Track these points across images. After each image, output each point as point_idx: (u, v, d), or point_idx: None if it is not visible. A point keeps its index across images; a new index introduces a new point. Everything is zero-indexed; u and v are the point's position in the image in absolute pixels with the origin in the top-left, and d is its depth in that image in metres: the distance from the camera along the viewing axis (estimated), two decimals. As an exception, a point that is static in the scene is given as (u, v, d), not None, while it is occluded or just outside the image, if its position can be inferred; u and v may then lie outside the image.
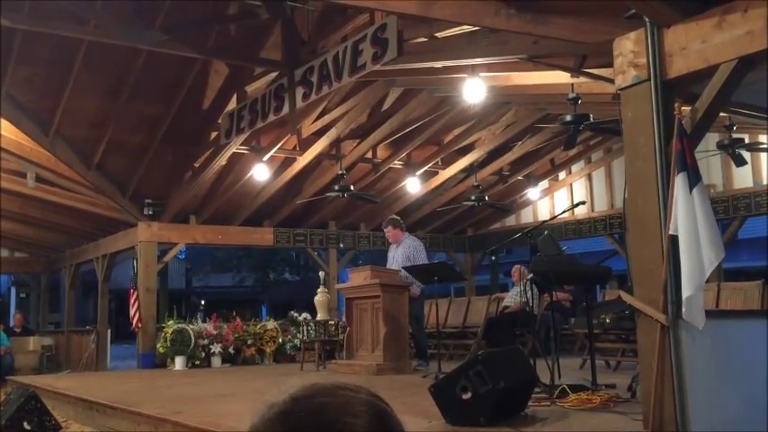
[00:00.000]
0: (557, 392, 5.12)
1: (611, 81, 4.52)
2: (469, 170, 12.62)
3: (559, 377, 5.59)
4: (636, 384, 4.90)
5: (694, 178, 3.77)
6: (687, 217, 3.71)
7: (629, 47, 4.16)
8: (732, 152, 9.19)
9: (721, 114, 6.28)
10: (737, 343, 4.03)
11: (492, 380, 4.12)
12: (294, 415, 0.86)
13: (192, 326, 11.28)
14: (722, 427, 3.82)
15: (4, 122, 9.43)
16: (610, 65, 4.43)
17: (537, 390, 5.05)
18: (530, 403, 4.72)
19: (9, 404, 6.48)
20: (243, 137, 9.70)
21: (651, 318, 3.91)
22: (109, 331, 13.62)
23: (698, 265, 3.66)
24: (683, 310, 3.69)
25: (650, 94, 4.00)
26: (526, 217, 14.64)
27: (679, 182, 3.77)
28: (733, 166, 9.88)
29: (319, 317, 9.63)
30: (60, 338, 15.15)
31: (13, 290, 24.51)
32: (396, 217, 9.05)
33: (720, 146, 9.30)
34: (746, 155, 9.71)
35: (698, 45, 3.86)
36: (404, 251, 8.45)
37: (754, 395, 3.87)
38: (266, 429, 0.87)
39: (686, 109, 4.05)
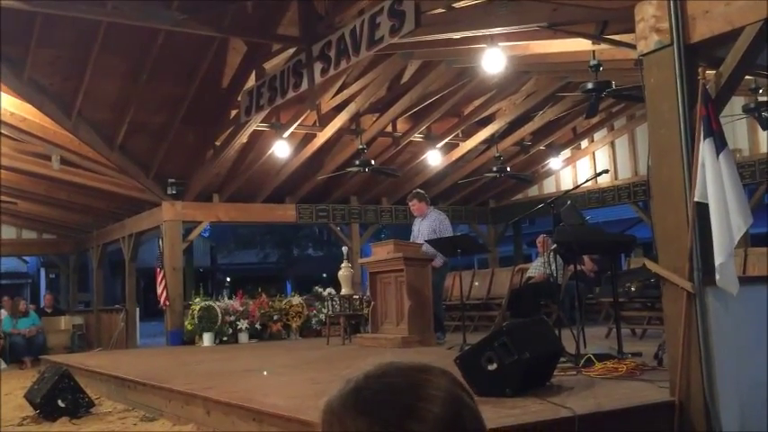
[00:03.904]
0: (582, 362, 5.12)
1: (633, 47, 4.44)
2: (490, 141, 12.55)
3: (585, 346, 5.59)
4: (662, 352, 4.88)
5: (720, 144, 3.71)
6: (715, 183, 3.66)
7: (650, 11, 4.08)
8: (758, 116, 9.03)
9: (747, 77, 6.16)
10: (767, 308, 3.99)
11: (517, 351, 4.13)
12: (364, 392, 0.86)
13: (218, 303, 11.43)
14: (751, 393, 3.81)
15: (28, 106, 9.52)
16: (631, 30, 4.35)
17: (563, 360, 5.05)
18: (556, 373, 4.73)
19: (43, 383, 6.63)
20: (263, 114, 9.71)
21: (677, 285, 3.89)
22: (137, 309, 13.84)
23: (727, 232, 3.62)
24: (717, 276, 3.65)
25: (673, 59, 3.92)
26: (549, 187, 14.54)
27: (706, 148, 3.71)
28: (759, 129, 9.71)
29: (343, 291, 9.70)
30: (90, 317, 15.43)
31: (42, 271, 24.94)
32: (420, 191, 9.05)
33: (746, 110, 9.14)
34: (773, 118, 9.53)
35: (721, 8, 3.78)
36: (429, 224, 8.45)
37: (782, 361, 3.84)
38: (338, 403, 0.88)
39: (710, 73, 3.98)
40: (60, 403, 6.33)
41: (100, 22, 8.09)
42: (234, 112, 10.27)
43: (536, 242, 9.87)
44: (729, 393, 3.75)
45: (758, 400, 3.80)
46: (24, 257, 22.60)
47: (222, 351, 9.85)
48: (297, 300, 12.14)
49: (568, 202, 6.63)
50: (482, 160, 13.28)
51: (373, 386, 0.87)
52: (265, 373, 6.61)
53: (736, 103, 9.32)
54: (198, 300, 11.36)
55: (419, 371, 0.89)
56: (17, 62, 8.75)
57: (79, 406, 6.44)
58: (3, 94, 9.25)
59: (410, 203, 8.79)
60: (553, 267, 6.78)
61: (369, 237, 14.76)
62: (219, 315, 11.09)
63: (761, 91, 8.67)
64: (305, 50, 8.07)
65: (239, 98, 9.81)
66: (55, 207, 14.32)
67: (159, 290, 11.70)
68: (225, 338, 11.14)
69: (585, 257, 8.45)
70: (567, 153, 13.90)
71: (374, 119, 11.41)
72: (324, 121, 11.09)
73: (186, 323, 11.26)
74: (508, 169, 12.51)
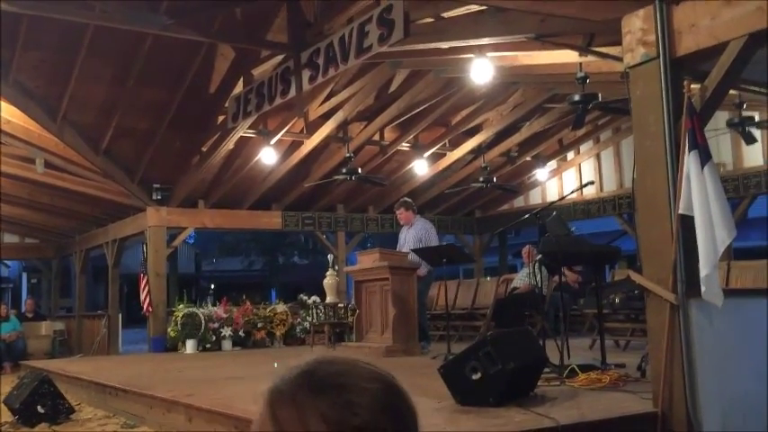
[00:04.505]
0: (566, 372, 5.13)
1: (620, 59, 4.48)
2: (477, 151, 12.58)
3: (569, 357, 5.60)
4: (645, 363, 4.90)
5: (705, 157, 3.74)
6: (700, 196, 3.69)
7: (637, 24, 4.12)
8: (742, 130, 9.12)
9: (731, 92, 6.22)
10: (749, 321, 4.02)
11: (501, 360, 4.12)
12: (316, 375, 0.94)
13: (202, 310, 11.35)
14: (733, 404, 3.82)
15: (13, 108, 9.45)
16: (618, 43, 4.39)
17: (546, 370, 5.05)
18: (539, 383, 4.73)
19: (23, 388, 6.55)
20: (250, 120, 9.68)
21: (660, 297, 3.91)
22: (120, 315, 13.71)
23: (711, 244, 3.65)
24: (703, 288, 3.67)
25: (659, 72, 3.96)
26: (535, 198, 14.59)
27: (691, 160, 3.74)
28: (743, 144, 9.81)
29: (328, 300, 9.67)
30: (72, 323, 15.27)
31: (24, 276, 24.72)
32: (407, 199, 9.07)
33: (730, 124, 9.23)
34: (757, 133, 9.63)
35: (707, 22, 3.82)
36: (415, 233, 8.47)
37: (765, 373, 3.86)
38: (289, 387, 0.94)
39: (695, 87, 4.01)
40: (40, 409, 6.25)
41: (87, 25, 8.05)
42: (221, 118, 10.25)
43: (521, 253, 9.90)
44: (711, 404, 3.76)
45: (740, 411, 3.82)
46: (6, 262, 22.36)
47: (205, 358, 9.78)
48: (281, 307, 12.07)
49: (554, 213, 6.65)
50: (469, 170, 13.31)
51: (323, 370, 0.95)
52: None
53: (720, 117, 9.41)
54: (181, 306, 11.28)
55: (358, 361, 0.99)
56: (3, 64, 8.68)
57: (59, 412, 6.36)
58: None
59: (397, 212, 8.81)
60: (538, 278, 6.79)
61: (355, 245, 14.73)
62: (203, 322, 11.02)
63: (745, 106, 8.76)
64: (293, 57, 8.06)
65: (226, 104, 9.79)
66: (38, 211, 14.19)
67: (142, 296, 11.60)
68: (208, 345, 11.06)
69: (566, 269, 8.47)
70: (553, 164, 13.97)
71: (362, 127, 11.41)
72: (311, 128, 11.08)
73: (169, 330, 11.17)
74: (494, 180, 12.55)
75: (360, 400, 0.90)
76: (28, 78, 9.11)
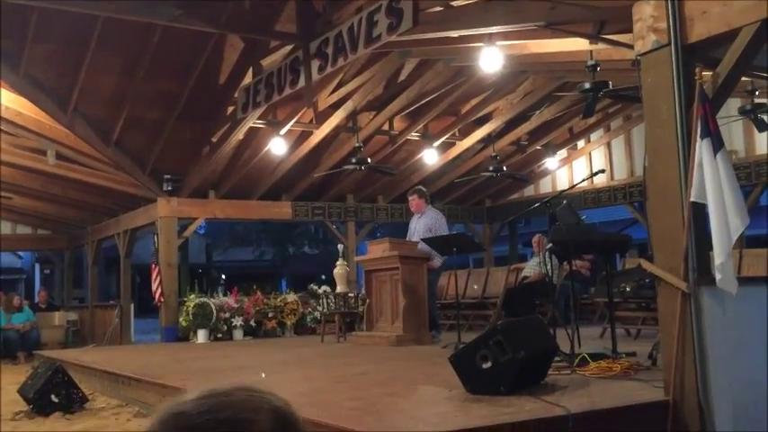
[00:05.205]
0: (577, 361, 5.12)
1: (631, 47, 4.45)
2: (487, 140, 12.55)
3: (579, 346, 5.59)
4: (656, 352, 4.89)
5: (717, 144, 3.72)
6: (714, 183, 3.66)
7: (648, 11, 4.08)
8: (754, 117, 9.05)
9: (743, 79, 6.17)
10: (761, 309, 3.99)
11: (512, 349, 4.12)
12: (188, 413, 0.85)
13: (213, 300, 11.41)
14: (745, 392, 3.81)
15: (24, 100, 9.49)
16: (629, 30, 4.35)
17: (557, 359, 5.05)
18: (550, 372, 4.74)
19: (37, 378, 6.61)
20: (259, 111, 9.69)
21: (672, 285, 3.89)
22: (132, 306, 13.81)
23: (725, 232, 3.63)
24: (718, 276, 3.65)
25: (671, 59, 3.93)
26: (545, 187, 14.55)
27: (704, 148, 3.71)
28: (755, 131, 9.74)
29: (339, 289, 9.70)
30: (85, 313, 15.40)
31: (37, 266, 24.90)
32: (422, 187, 9.08)
33: (742, 111, 9.16)
34: (769, 120, 9.55)
35: (719, 8, 3.79)
36: (425, 222, 8.48)
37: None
38: (159, 429, 0.85)
39: (707, 74, 3.98)
40: (54, 398, 6.31)
41: (96, 17, 8.06)
42: (230, 109, 10.26)
43: (531, 242, 9.88)
44: (723, 393, 3.75)
45: (751, 400, 3.80)
46: (19, 253, 22.55)
47: (217, 348, 9.84)
48: (292, 297, 12.13)
49: (564, 202, 6.63)
50: (478, 159, 13.28)
51: (195, 407, 0.86)
52: (263, 375, 6.60)
53: (732, 104, 9.34)
54: (193, 296, 11.34)
55: (243, 390, 0.90)
56: (13, 56, 8.72)
57: (73, 401, 6.42)
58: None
59: (410, 198, 8.83)
60: (548, 267, 6.78)
61: (365, 235, 14.74)
62: (214, 312, 11.08)
63: (757, 93, 8.68)
64: (302, 48, 8.06)
65: (236, 95, 9.80)
66: (50, 202, 14.28)
67: (154, 286, 11.67)
68: (219, 335, 11.13)
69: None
70: (563, 153, 13.90)
71: (371, 117, 11.40)
72: (321, 118, 11.08)
73: (181, 319, 11.24)
74: (504, 169, 12.52)
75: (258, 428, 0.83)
76: (39, 70, 9.15)
